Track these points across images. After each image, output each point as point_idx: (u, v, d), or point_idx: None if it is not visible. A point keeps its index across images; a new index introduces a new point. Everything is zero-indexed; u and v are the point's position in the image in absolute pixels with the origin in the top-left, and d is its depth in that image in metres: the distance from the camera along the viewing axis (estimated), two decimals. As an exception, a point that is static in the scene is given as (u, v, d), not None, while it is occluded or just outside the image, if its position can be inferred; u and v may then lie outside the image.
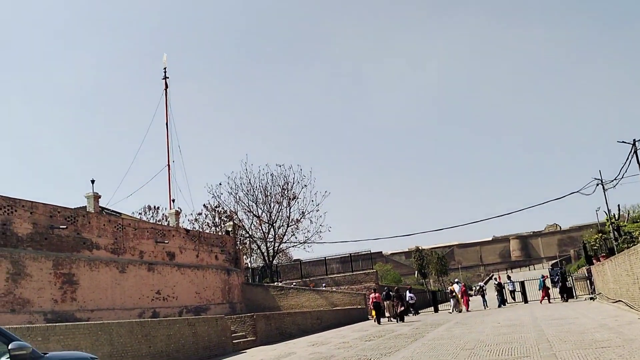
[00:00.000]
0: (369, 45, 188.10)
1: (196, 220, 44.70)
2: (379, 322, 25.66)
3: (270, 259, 40.44)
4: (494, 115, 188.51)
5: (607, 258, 25.20)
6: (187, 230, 29.55)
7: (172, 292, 25.30)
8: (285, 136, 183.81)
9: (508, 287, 36.13)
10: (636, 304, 16.84)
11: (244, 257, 39.30)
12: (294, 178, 40.09)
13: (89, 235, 21.48)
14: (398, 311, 26.66)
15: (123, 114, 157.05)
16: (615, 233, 26.68)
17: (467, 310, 30.34)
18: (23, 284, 17.94)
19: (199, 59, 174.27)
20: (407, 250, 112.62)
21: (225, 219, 42.18)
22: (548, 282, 33.14)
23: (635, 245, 18.57)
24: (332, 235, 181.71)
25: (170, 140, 37.19)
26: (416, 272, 78.78)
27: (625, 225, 26.80)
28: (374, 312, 26.71)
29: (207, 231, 40.15)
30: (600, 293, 27.58)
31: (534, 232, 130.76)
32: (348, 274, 38.05)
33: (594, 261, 30.55)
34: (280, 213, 40.24)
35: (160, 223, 37.89)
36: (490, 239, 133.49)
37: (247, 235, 42.22)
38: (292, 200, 40.09)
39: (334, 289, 35.14)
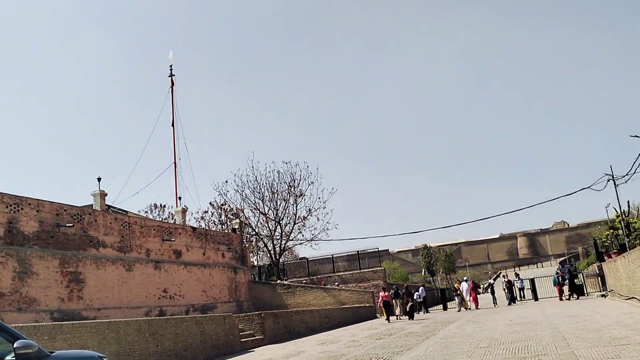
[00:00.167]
0: (375, 41, 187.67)
1: (202, 218, 44.65)
2: (388, 321, 25.49)
3: (277, 257, 40.19)
4: (502, 111, 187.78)
5: (618, 254, 24.83)
6: (194, 228, 29.38)
7: (178, 291, 25.16)
8: (291, 133, 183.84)
9: (517, 285, 35.77)
10: (651, 300, 16.52)
11: (251, 255, 39.08)
12: (300, 175, 39.79)
13: (96, 234, 21.35)
14: (407, 308, 26.50)
15: (129, 112, 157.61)
16: (626, 230, 26.27)
17: (477, 308, 30.06)
18: (29, 283, 17.83)
19: (204, 56, 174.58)
20: (414, 248, 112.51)
21: (232, 217, 42.01)
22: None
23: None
24: (338, 233, 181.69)
25: (177, 138, 37.12)
26: (423, 269, 78.51)
27: (635, 222, 26.39)
28: (384, 311, 26.52)
29: (214, 229, 39.99)
30: (612, 290, 27.20)
31: (541, 229, 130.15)
32: (355, 271, 37.83)
33: (605, 258, 30.11)
34: (287, 210, 39.98)
35: (166, 221, 37.75)
36: (497, 236, 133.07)
37: (254, 232, 42.01)
38: (299, 197, 39.81)
39: (342, 287, 34.93)
